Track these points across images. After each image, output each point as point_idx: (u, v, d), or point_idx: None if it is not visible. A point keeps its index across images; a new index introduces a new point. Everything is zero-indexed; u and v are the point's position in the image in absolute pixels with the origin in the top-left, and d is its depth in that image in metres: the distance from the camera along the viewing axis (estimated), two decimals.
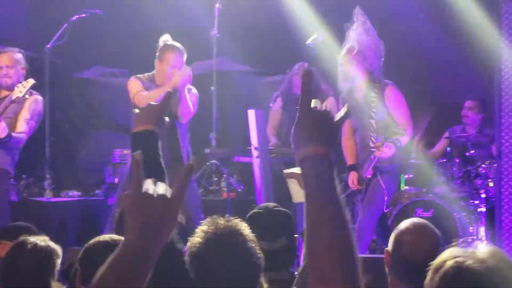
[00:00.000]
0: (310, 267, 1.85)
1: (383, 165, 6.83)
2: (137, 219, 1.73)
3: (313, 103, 1.92)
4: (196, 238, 2.54)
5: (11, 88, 6.72)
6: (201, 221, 2.65)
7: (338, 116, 1.97)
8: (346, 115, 1.97)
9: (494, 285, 1.95)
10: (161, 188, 1.75)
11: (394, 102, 6.86)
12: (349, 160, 6.99)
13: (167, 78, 6.81)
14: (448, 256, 2.03)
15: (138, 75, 7.03)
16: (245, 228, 2.62)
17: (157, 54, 6.96)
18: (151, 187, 1.74)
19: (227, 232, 2.55)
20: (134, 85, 6.92)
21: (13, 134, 6.64)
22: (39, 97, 7.01)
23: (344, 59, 6.82)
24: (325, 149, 1.89)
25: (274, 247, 3.55)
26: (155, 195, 1.74)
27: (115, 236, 3.29)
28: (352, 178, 6.91)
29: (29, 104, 6.85)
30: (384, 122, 6.81)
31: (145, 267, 1.74)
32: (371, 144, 6.78)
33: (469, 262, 1.99)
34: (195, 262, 2.53)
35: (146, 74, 7.03)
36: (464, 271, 1.97)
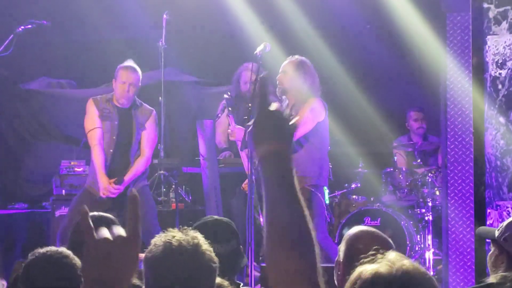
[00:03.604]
0: (269, 263, 1.87)
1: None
2: (97, 270, 1.65)
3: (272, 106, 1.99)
4: (154, 248, 2.55)
5: None
6: (156, 233, 2.68)
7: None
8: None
9: None
10: (119, 230, 1.68)
11: (302, 111, 6.91)
12: None
13: (120, 95, 6.99)
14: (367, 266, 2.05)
15: (97, 97, 7.19)
16: (201, 237, 2.66)
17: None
18: (106, 232, 1.67)
19: (186, 242, 2.57)
20: (89, 112, 7.12)
21: None
22: None
23: (282, 67, 6.95)
24: (285, 146, 1.95)
25: (223, 250, 3.62)
26: (112, 239, 1.67)
27: (53, 249, 3.28)
28: None
29: None
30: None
31: None
32: None
33: (384, 269, 2.00)
34: (154, 271, 2.54)
35: (105, 95, 7.18)
36: (380, 278, 1.99)
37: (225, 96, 7.19)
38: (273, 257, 1.86)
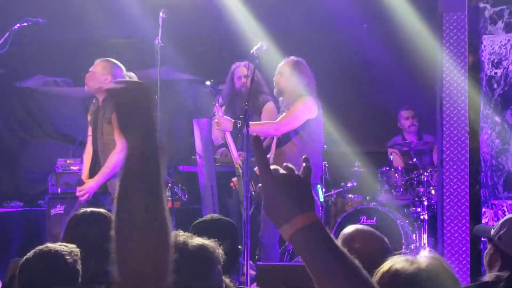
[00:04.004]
0: None
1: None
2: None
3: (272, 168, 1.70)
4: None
5: None
6: None
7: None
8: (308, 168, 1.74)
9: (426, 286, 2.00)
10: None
11: (293, 107, 6.94)
12: None
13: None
14: (390, 263, 2.08)
15: (91, 105, 7.18)
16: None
17: None
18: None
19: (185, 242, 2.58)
20: (88, 117, 7.17)
21: None
22: None
23: (278, 69, 6.99)
24: (311, 214, 1.66)
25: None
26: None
27: (50, 245, 3.28)
28: None
29: None
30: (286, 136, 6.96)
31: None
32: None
33: (409, 268, 2.03)
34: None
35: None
36: (402, 277, 2.01)
37: (207, 82, 7.12)
38: None
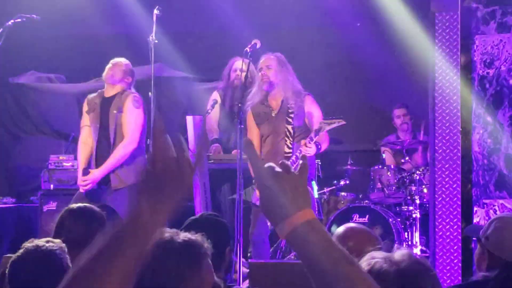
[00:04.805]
0: None
1: None
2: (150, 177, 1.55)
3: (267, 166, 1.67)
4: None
5: None
6: None
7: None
8: (305, 167, 1.71)
9: (405, 286, 2.02)
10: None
11: (313, 111, 6.95)
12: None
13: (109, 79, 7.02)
14: (365, 259, 2.09)
15: (90, 95, 7.20)
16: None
17: None
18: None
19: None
20: (83, 110, 7.17)
21: None
22: None
23: (264, 63, 6.95)
24: (308, 211, 1.64)
25: None
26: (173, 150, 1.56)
27: (37, 241, 3.29)
28: None
29: None
30: (300, 129, 6.91)
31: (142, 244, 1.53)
32: (286, 149, 6.88)
33: (383, 264, 2.05)
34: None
35: (100, 90, 7.17)
36: (377, 273, 2.03)
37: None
38: None
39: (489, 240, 3.51)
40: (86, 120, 7.07)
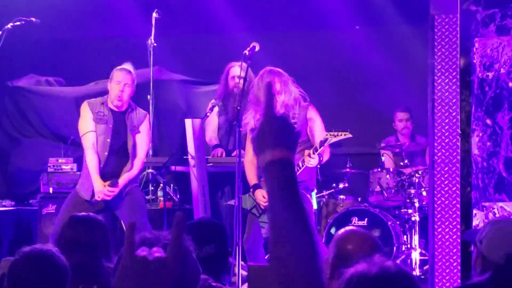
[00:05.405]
0: (274, 272, 1.83)
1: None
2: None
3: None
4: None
5: None
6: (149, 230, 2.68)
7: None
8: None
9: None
10: (159, 251, 1.60)
11: (316, 121, 6.93)
12: (253, 180, 6.94)
13: (114, 96, 6.88)
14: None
15: (91, 100, 7.07)
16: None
17: None
18: (145, 251, 1.60)
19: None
20: (83, 115, 7.04)
21: None
22: None
23: (267, 76, 6.87)
24: (290, 153, 1.89)
25: (200, 254, 3.63)
26: (151, 259, 1.58)
27: (37, 248, 3.29)
28: (262, 193, 6.86)
29: None
30: (302, 141, 6.89)
31: None
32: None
33: (372, 270, 2.06)
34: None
35: (100, 98, 7.06)
36: (365, 278, 2.05)
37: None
38: (277, 270, 1.81)
39: (482, 244, 3.52)
40: (91, 126, 6.95)
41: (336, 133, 6.64)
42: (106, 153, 6.89)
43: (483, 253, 3.50)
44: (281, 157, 1.87)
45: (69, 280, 3.27)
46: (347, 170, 8.57)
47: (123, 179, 6.87)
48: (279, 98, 6.76)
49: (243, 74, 6.90)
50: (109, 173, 6.89)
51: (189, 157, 7.46)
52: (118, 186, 6.83)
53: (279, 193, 1.85)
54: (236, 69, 7.64)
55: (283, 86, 6.78)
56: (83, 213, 4.35)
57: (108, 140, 6.91)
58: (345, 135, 6.65)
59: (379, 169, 8.28)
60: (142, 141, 7.06)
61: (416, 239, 7.89)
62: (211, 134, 7.99)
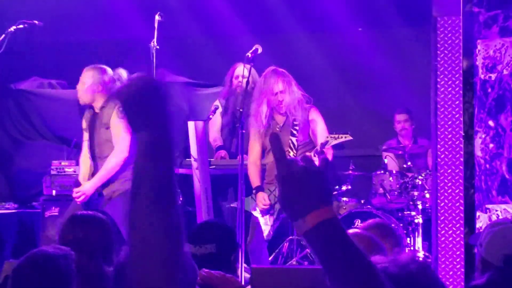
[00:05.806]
0: None
1: None
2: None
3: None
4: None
5: None
6: None
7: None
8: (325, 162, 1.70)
9: None
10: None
11: (318, 123, 6.94)
12: (256, 182, 6.94)
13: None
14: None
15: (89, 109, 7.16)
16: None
17: None
18: None
19: None
20: (83, 123, 7.14)
21: None
22: None
23: (278, 88, 6.88)
24: (328, 209, 1.60)
25: (198, 252, 3.63)
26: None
27: (42, 251, 3.28)
28: (263, 196, 6.85)
29: None
30: (305, 143, 6.89)
31: None
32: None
33: (390, 268, 2.04)
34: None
35: None
36: (388, 278, 2.03)
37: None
38: None
39: (482, 247, 3.53)
40: (85, 135, 7.12)
41: (336, 136, 6.65)
42: (90, 158, 7.03)
43: (483, 255, 3.51)
44: (321, 220, 1.58)
45: (74, 284, 3.26)
46: (350, 172, 8.55)
47: (93, 179, 6.88)
48: (283, 97, 6.78)
49: (246, 74, 6.92)
50: (94, 174, 6.98)
51: (192, 159, 7.46)
52: (82, 187, 6.90)
53: (338, 252, 1.59)
54: (241, 69, 7.67)
55: (287, 87, 6.79)
56: (86, 212, 4.32)
57: (88, 142, 7.03)
58: (345, 137, 6.66)
59: (382, 171, 8.27)
60: (113, 135, 6.88)
61: (419, 241, 7.88)
62: (215, 134, 7.99)
